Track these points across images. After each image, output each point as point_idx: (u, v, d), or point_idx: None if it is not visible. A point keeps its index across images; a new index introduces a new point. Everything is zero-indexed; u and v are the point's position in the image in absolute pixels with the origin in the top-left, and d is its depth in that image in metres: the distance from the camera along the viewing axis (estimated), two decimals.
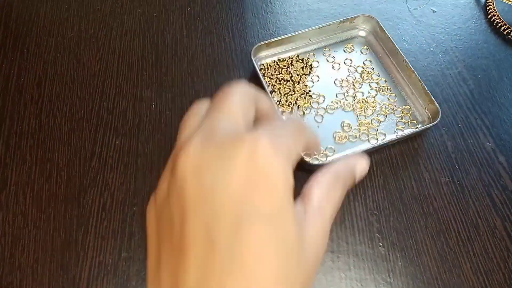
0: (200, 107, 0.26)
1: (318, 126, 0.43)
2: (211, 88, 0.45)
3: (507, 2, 0.50)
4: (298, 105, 0.44)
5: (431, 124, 0.40)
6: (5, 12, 0.51)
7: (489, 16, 0.50)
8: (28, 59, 0.47)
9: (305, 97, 0.44)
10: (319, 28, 0.47)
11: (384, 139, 0.41)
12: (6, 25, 0.50)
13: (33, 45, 0.49)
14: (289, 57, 0.47)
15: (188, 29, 0.50)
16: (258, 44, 0.45)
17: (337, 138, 0.42)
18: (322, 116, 0.43)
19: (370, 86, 0.45)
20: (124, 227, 0.37)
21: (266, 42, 0.46)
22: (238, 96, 0.24)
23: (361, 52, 0.48)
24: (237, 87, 0.24)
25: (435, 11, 0.51)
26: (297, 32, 0.47)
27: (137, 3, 0.52)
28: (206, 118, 0.22)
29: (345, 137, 0.42)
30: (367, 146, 0.40)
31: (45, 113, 0.44)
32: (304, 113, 0.43)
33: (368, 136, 0.42)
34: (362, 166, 0.27)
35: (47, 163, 0.41)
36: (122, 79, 0.46)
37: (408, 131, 0.41)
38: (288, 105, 0.44)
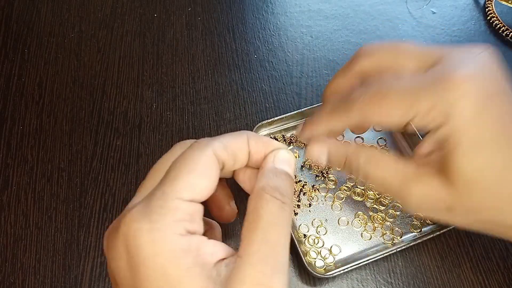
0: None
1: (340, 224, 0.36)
2: (211, 88, 0.45)
3: (506, 3, 0.51)
4: (304, 193, 0.37)
5: None
6: (5, 13, 0.51)
7: (488, 18, 0.50)
8: (29, 60, 0.47)
9: (312, 186, 0.38)
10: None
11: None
12: (7, 26, 0.50)
13: (34, 46, 0.49)
14: (291, 135, 0.41)
15: (189, 29, 0.50)
16: (260, 123, 0.40)
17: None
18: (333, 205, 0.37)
19: None
20: None
21: (269, 121, 0.40)
22: (158, 170, 0.25)
23: (374, 128, 0.40)
24: (163, 161, 0.25)
25: (435, 13, 0.51)
26: (303, 109, 0.41)
27: (137, 3, 0.52)
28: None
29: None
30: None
31: (46, 114, 0.44)
32: (310, 204, 0.37)
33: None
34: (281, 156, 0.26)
35: (48, 164, 0.41)
36: (123, 79, 0.46)
37: None
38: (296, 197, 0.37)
